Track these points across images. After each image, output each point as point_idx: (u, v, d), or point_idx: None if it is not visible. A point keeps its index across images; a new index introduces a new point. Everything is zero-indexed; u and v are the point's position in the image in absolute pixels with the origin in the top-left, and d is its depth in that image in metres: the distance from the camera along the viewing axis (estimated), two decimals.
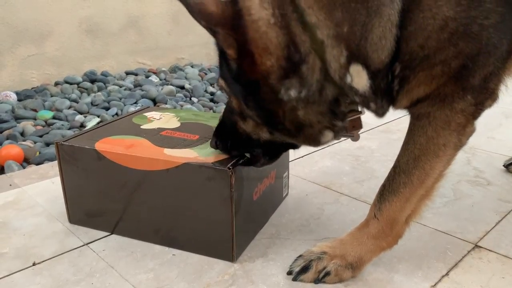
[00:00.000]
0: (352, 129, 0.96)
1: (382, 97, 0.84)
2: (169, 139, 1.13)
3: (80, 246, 1.08)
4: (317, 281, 0.93)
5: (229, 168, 0.96)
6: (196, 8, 0.76)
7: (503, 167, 1.49)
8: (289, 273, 0.96)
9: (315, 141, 0.91)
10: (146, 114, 1.33)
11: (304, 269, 0.94)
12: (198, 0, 0.76)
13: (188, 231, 1.05)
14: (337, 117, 0.87)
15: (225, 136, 0.99)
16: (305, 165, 1.55)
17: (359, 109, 0.93)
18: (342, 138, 1.00)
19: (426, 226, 1.16)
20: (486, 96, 0.84)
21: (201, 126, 1.21)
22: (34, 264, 1.02)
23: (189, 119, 1.27)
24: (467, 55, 0.77)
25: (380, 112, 0.89)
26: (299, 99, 0.82)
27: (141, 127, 1.21)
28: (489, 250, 1.05)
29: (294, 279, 0.94)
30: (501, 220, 1.18)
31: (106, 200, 1.11)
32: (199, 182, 1.00)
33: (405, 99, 0.85)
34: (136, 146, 1.08)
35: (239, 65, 0.82)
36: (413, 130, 0.90)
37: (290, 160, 1.53)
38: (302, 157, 1.61)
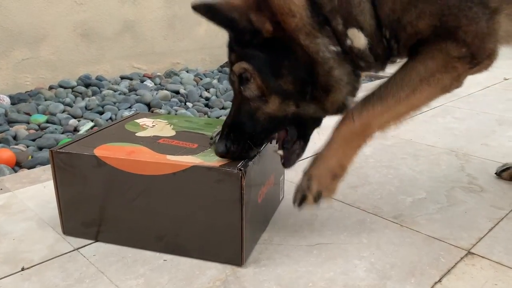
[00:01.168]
0: None
1: (382, 61, 1.01)
2: (168, 147, 1.11)
3: (70, 251, 1.07)
4: (317, 203, 1.04)
5: (240, 170, 0.95)
6: (226, 7, 0.90)
7: (495, 174, 1.49)
8: (294, 205, 1.06)
9: (340, 107, 1.01)
10: (138, 120, 1.31)
11: (303, 199, 1.04)
12: (223, 1, 0.92)
13: (194, 236, 1.03)
14: (358, 80, 1.01)
15: (242, 134, 1.01)
16: (299, 170, 1.54)
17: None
18: None
19: (419, 232, 1.15)
20: (480, 53, 0.96)
21: (198, 136, 1.20)
22: (23, 269, 1.01)
23: (183, 127, 1.25)
24: (432, 14, 0.91)
25: (379, 69, 1.05)
26: (335, 56, 0.95)
27: (136, 134, 1.19)
28: (482, 257, 1.05)
29: (300, 209, 1.06)
30: (494, 226, 1.18)
31: (105, 208, 1.08)
32: (207, 185, 0.98)
33: (405, 51, 1.00)
34: (137, 152, 1.06)
35: (273, 37, 0.94)
36: (416, 59, 0.99)
37: None
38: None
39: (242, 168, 0.96)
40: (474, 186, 1.43)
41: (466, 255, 1.06)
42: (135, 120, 1.31)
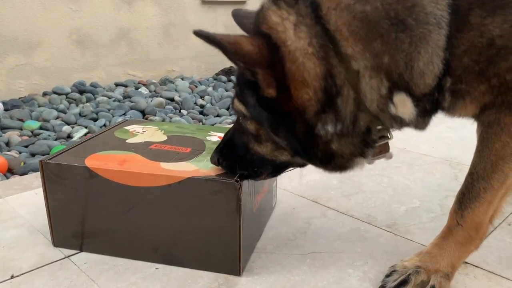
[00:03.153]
0: (379, 154, 0.96)
1: (425, 117, 0.87)
2: (160, 152, 1.09)
3: (61, 259, 1.06)
4: None
5: (237, 181, 0.94)
6: (231, 49, 0.74)
7: None
8: (385, 283, 0.95)
9: (344, 169, 0.92)
10: (127, 127, 1.28)
11: (402, 283, 0.94)
12: (232, 40, 0.75)
13: (190, 247, 1.02)
14: (368, 145, 0.89)
15: (232, 155, 0.97)
16: (293, 178, 1.54)
17: (391, 133, 0.95)
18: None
19: (413, 241, 1.15)
20: None
21: (190, 139, 1.19)
22: (12, 277, 0.99)
23: (174, 132, 1.24)
24: None
25: (422, 127, 0.91)
26: (334, 133, 0.83)
27: (127, 141, 1.17)
28: (475, 266, 1.05)
29: None
30: (487, 236, 1.18)
31: (97, 220, 1.05)
32: (204, 196, 0.97)
33: (471, 107, 0.86)
34: (129, 161, 1.04)
35: (275, 100, 0.81)
36: (486, 138, 0.90)
37: None
38: (289, 170, 1.60)
39: (238, 180, 0.95)
40: None
41: None
42: (124, 127, 1.29)
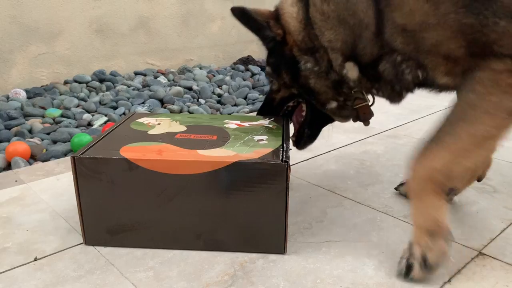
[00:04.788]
0: (363, 115, 1.21)
1: (379, 82, 1.06)
2: (189, 141, 1.08)
3: (82, 243, 1.09)
4: (428, 270, 0.93)
5: (285, 162, 0.97)
6: (254, 13, 1.16)
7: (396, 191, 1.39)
8: (399, 275, 0.97)
9: (322, 105, 1.20)
10: (140, 120, 1.26)
11: (409, 268, 0.95)
12: (254, 9, 1.17)
13: (235, 230, 1.03)
14: (339, 94, 1.16)
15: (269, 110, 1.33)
16: (310, 168, 1.54)
17: (367, 97, 1.19)
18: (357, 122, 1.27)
19: None
20: None
21: (209, 127, 1.19)
22: (35, 260, 1.03)
23: (190, 122, 1.24)
24: (456, 37, 0.86)
25: (390, 97, 1.10)
26: (311, 71, 1.13)
27: (149, 133, 1.16)
28: (493, 257, 1.04)
29: (411, 281, 0.95)
30: (506, 228, 1.17)
31: (136, 213, 1.03)
32: (251, 179, 0.98)
33: (447, 78, 0.93)
34: (166, 151, 1.02)
35: (283, 40, 1.15)
36: (461, 90, 0.90)
37: (294, 163, 1.52)
38: (306, 160, 1.60)
39: (286, 160, 0.98)
40: (487, 186, 1.41)
41: (477, 255, 1.05)
42: (137, 120, 1.26)
